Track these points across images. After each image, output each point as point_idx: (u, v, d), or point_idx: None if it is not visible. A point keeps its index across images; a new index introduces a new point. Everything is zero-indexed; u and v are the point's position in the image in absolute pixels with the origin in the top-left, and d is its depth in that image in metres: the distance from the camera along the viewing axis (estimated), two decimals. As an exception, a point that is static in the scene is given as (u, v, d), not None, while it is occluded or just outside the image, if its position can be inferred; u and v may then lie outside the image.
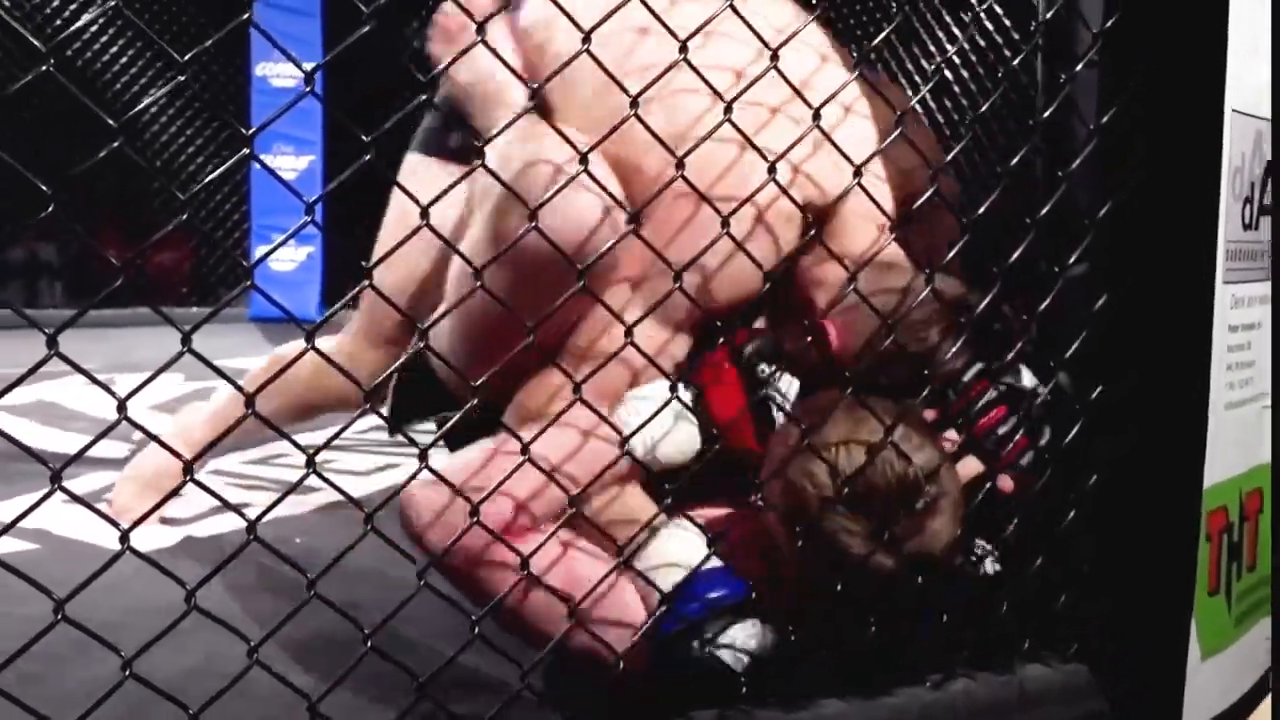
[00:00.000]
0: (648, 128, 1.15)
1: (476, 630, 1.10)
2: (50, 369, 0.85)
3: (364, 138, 0.96)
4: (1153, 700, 1.37)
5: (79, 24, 5.21)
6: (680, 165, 1.16)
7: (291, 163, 5.56)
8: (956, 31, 3.65)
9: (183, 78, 0.86)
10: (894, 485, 1.22)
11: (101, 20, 5.29)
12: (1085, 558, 1.36)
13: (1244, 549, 1.49)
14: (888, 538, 1.21)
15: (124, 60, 5.60)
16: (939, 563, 1.26)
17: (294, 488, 1.04)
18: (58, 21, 5.42)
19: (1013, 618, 1.36)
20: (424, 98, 1.00)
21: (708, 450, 1.39)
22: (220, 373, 0.96)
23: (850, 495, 1.22)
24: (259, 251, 5.63)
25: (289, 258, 5.64)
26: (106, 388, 0.89)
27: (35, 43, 0.78)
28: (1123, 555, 1.35)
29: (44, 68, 0.77)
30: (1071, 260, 1.33)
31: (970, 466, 1.37)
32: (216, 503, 0.99)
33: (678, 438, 1.42)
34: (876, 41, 1.39)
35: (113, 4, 0.85)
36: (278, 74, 5.62)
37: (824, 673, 1.27)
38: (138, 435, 2.87)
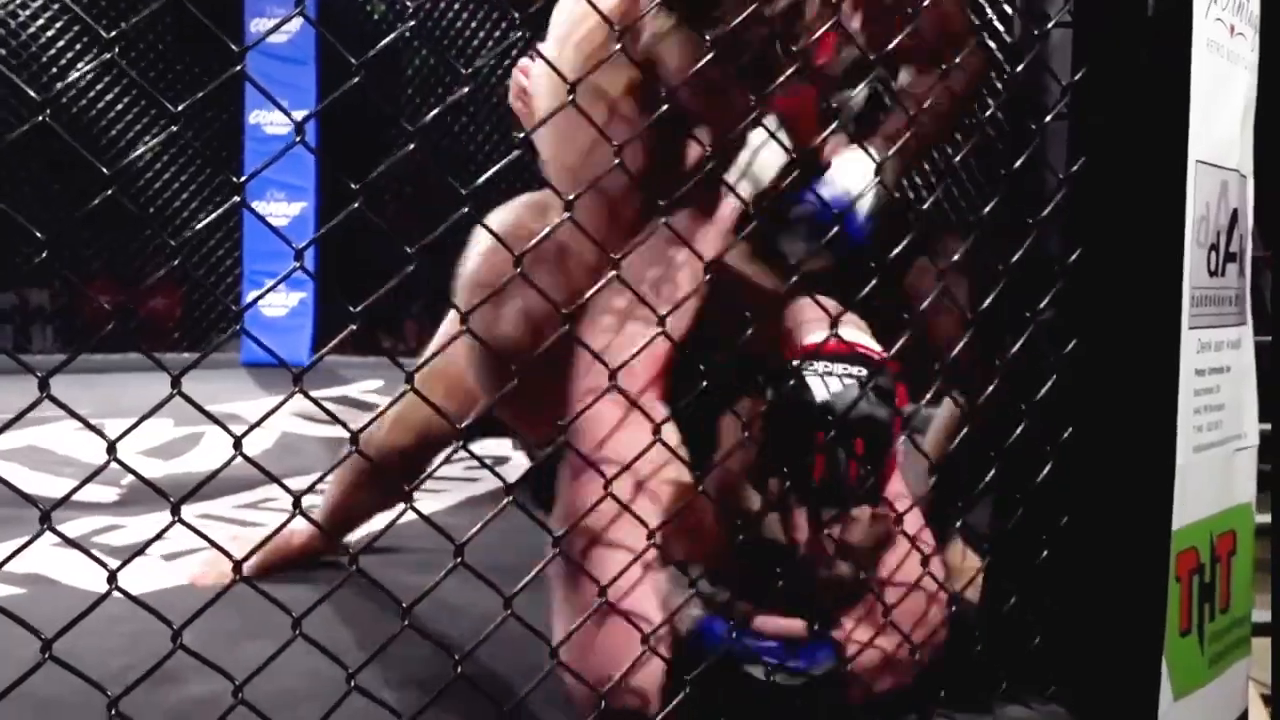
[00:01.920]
0: None
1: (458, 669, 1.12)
2: (41, 414, 0.87)
3: (353, 186, 0.98)
4: (1128, 741, 1.39)
5: (75, 75, 5.24)
6: None
7: (284, 209, 5.59)
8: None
9: (175, 128, 0.89)
10: None
11: (97, 69, 5.33)
12: (1057, 598, 1.37)
13: (1216, 591, 1.51)
14: None
15: (119, 108, 5.65)
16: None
17: (278, 530, 1.06)
18: (53, 70, 5.48)
19: (989, 658, 1.38)
20: (410, 146, 1.02)
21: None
22: (211, 417, 0.98)
23: None
24: (250, 296, 5.64)
25: (281, 303, 5.66)
26: (98, 431, 0.91)
27: (32, 94, 0.80)
28: (1094, 595, 1.37)
29: (40, 118, 0.80)
30: (1041, 305, 1.36)
31: None
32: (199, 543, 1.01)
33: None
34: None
35: (107, 56, 0.88)
36: (271, 121, 5.66)
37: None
38: (127, 479, 2.89)
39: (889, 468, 1.36)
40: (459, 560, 1.04)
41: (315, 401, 1.05)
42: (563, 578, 1.32)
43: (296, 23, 5.57)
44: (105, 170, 0.84)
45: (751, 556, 1.32)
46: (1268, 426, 3.24)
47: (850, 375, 1.32)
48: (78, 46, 5.55)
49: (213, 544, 1.01)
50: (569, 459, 1.32)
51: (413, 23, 4.52)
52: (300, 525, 1.82)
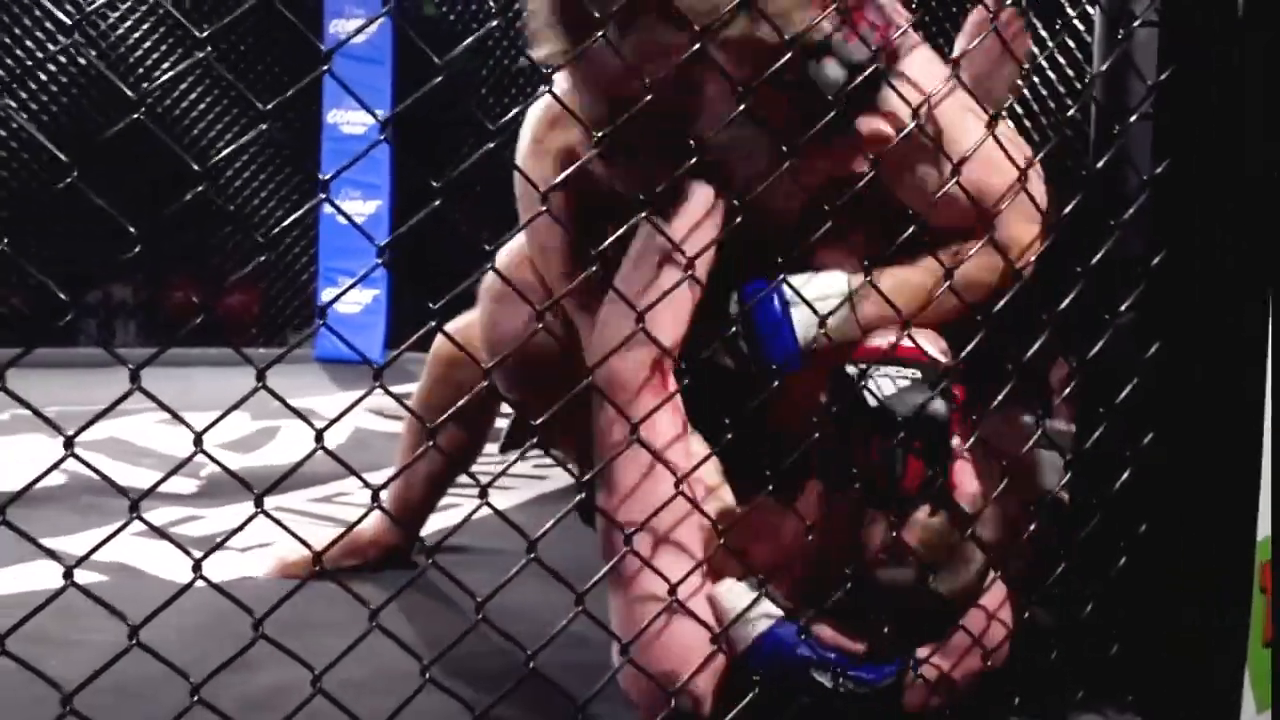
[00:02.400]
0: None
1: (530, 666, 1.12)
2: (123, 406, 0.89)
3: (434, 184, 0.99)
4: (1208, 754, 1.36)
5: (163, 75, 5.36)
6: None
7: (359, 207, 5.66)
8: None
9: (265, 125, 0.90)
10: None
11: (182, 69, 5.45)
12: (1136, 606, 1.35)
13: (1301, 603, 1.47)
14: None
15: (201, 107, 5.77)
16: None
17: (356, 524, 1.08)
18: (140, 70, 5.60)
19: (1064, 665, 1.36)
20: (491, 145, 1.03)
21: None
22: (295, 410, 0.99)
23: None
24: (325, 293, 5.74)
25: (355, 300, 5.73)
26: (185, 422, 0.92)
27: (128, 92, 0.82)
28: (1174, 605, 1.34)
29: (135, 115, 0.82)
30: (1122, 307, 1.34)
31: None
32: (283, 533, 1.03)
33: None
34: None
35: (199, 55, 0.90)
36: (348, 121, 5.74)
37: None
38: (206, 471, 2.95)
39: (953, 470, 1.34)
40: (532, 555, 1.05)
41: (395, 397, 1.06)
42: (622, 578, 1.32)
43: (373, 24, 5.66)
44: (196, 167, 0.86)
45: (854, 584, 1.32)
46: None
47: (905, 376, 1.30)
48: (163, 47, 5.67)
49: (295, 536, 1.03)
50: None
51: (495, 22, 4.55)
52: (369, 523, 1.86)
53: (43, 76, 5.37)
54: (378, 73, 5.63)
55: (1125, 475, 1.34)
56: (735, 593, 1.32)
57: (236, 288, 6.34)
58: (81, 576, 0.87)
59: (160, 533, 0.95)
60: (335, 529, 2.06)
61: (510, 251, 1.68)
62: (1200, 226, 1.34)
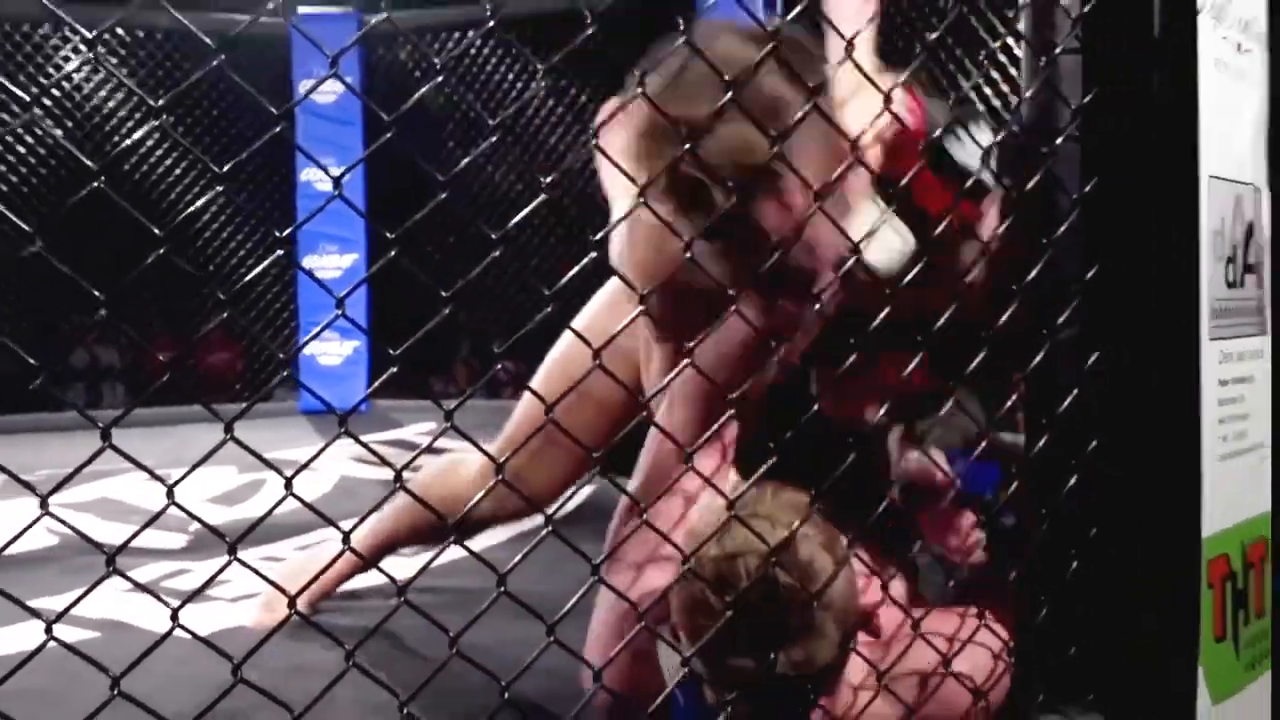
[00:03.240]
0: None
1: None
2: (111, 467, 0.90)
3: (389, 235, 1.01)
4: (1168, 746, 1.37)
5: (130, 141, 5.36)
6: None
7: (336, 261, 5.67)
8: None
9: (221, 187, 0.92)
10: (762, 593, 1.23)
11: (156, 135, 5.46)
12: (1091, 609, 1.36)
13: (1250, 596, 1.49)
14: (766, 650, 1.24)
15: (176, 172, 5.77)
16: (821, 672, 1.27)
17: (328, 566, 1.09)
18: (115, 138, 5.61)
19: (1025, 668, 1.37)
20: (442, 196, 1.04)
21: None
22: (263, 460, 1.00)
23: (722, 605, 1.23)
24: (306, 348, 5.73)
25: (336, 352, 5.73)
26: (156, 476, 0.93)
27: (88, 162, 0.84)
28: (1128, 605, 1.36)
29: (95, 184, 0.83)
30: (1060, 321, 1.36)
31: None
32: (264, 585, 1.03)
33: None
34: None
35: (156, 122, 0.91)
36: (320, 178, 5.75)
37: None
38: (194, 526, 2.94)
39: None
40: (502, 590, 1.06)
41: (362, 443, 1.07)
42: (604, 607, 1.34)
43: (341, 85, 5.69)
44: (156, 230, 0.88)
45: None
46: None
47: None
48: (137, 115, 5.69)
49: (269, 581, 1.04)
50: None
51: (440, 79, 4.63)
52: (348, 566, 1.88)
53: (33, 150, 5.36)
54: (350, 132, 5.65)
55: (1072, 482, 1.35)
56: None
57: (220, 346, 6.34)
58: (72, 634, 0.88)
59: (138, 585, 0.95)
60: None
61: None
62: (1129, 241, 1.36)
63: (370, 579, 2.37)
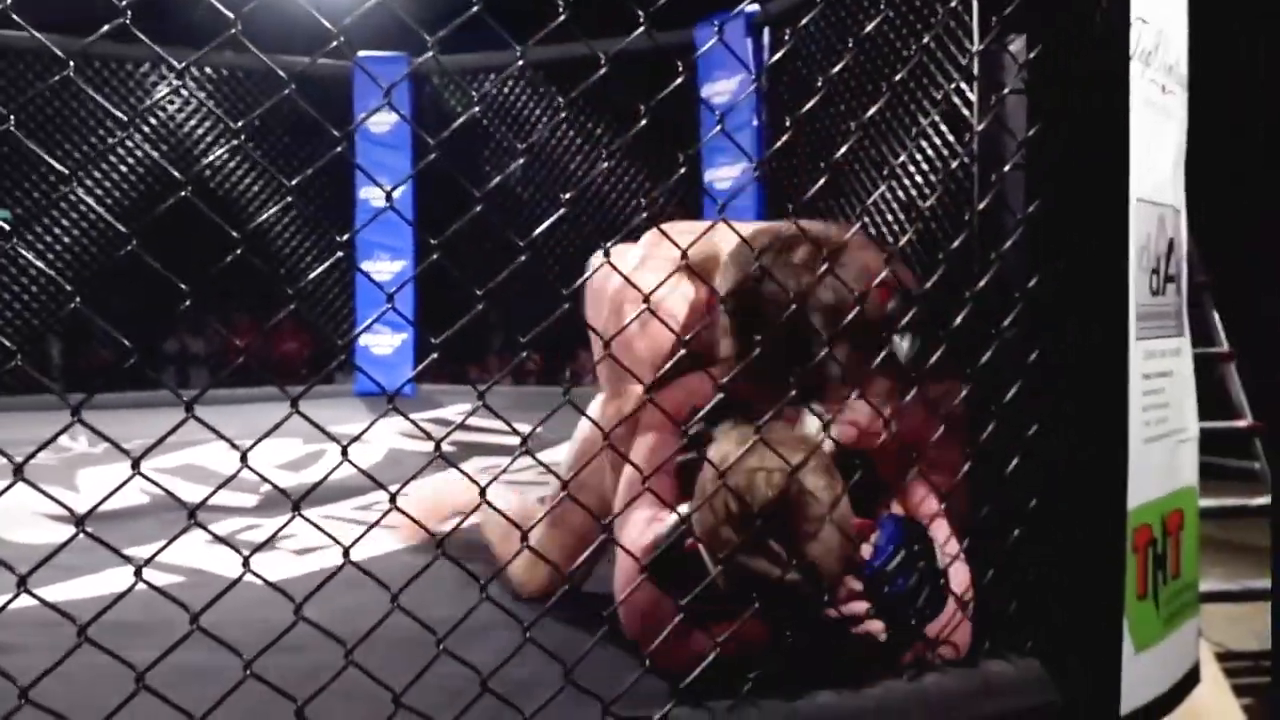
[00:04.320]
0: None
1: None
2: (196, 438, 0.90)
3: (432, 241, 1.01)
4: (1095, 689, 1.36)
5: (211, 159, 5.38)
6: None
7: (388, 266, 5.67)
8: (907, 144, 3.71)
9: (290, 199, 0.91)
10: (779, 503, 1.24)
11: (238, 159, 5.50)
12: (1031, 570, 1.35)
13: (1168, 560, 1.48)
14: (777, 550, 1.23)
15: (256, 187, 5.79)
16: (824, 573, 1.26)
17: (377, 522, 1.08)
18: (202, 160, 5.62)
19: (972, 621, 1.36)
20: (477, 209, 1.04)
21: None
22: (325, 431, 1.00)
23: (744, 515, 1.24)
24: (362, 339, 5.75)
25: (387, 343, 5.74)
26: (232, 443, 0.93)
27: (176, 174, 0.83)
28: (1063, 567, 1.35)
29: (182, 194, 0.83)
30: (1005, 324, 1.35)
31: None
32: (328, 540, 1.03)
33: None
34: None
35: (236, 143, 0.91)
36: (376, 196, 5.76)
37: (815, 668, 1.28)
38: (265, 487, 2.94)
39: None
40: (524, 545, 1.05)
41: (406, 416, 1.07)
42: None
43: (395, 117, 5.70)
44: (234, 233, 0.87)
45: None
46: (1243, 424, 3.20)
47: None
48: (224, 142, 5.71)
49: (329, 536, 1.03)
50: None
51: (476, 109, 4.68)
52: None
53: (129, 167, 5.37)
54: (401, 157, 5.66)
55: (1015, 461, 1.34)
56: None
57: (290, 337, 6.35)
58: (160, 579, 0.87)
59: (215, 536, 0.95)
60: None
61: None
62: (1066, 254, 1.35)
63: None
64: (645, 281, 1.28)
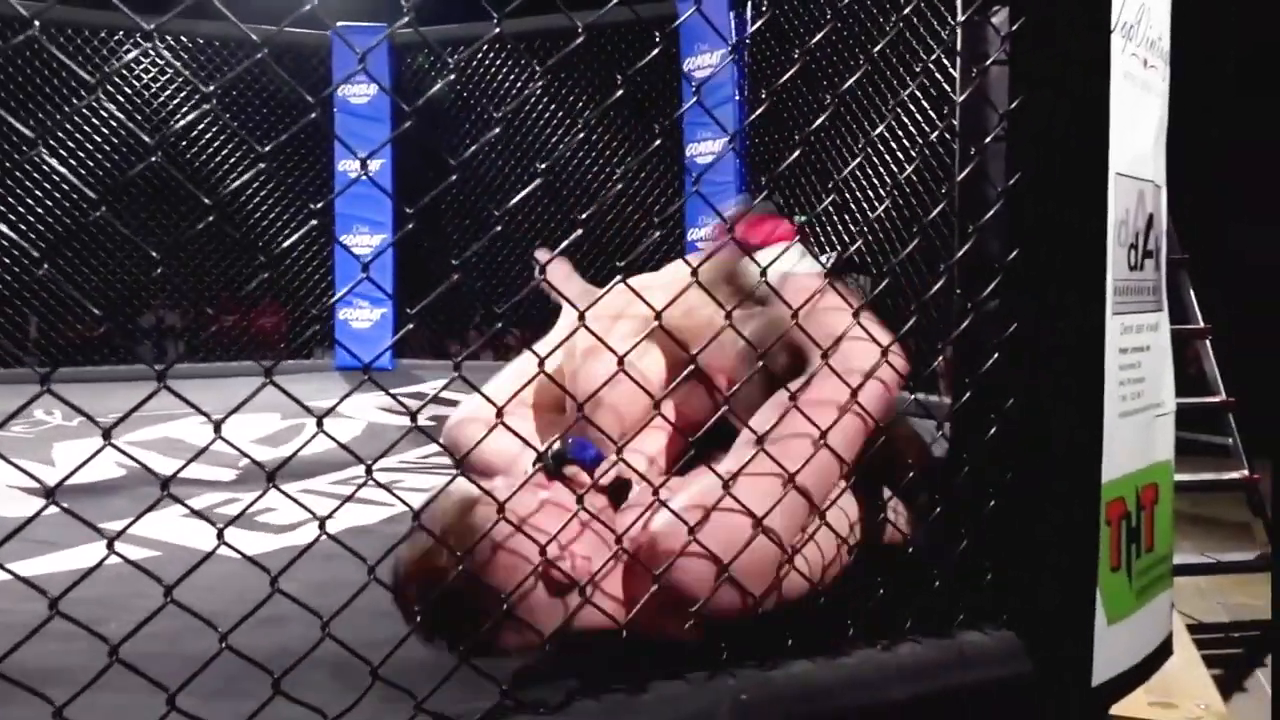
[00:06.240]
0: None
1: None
2: (172, 411, 0.88)
3: (408, 210, 0.99)
4: (1068, 660, 1.37)
5: (183, 123, 5.31)
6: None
7: (366, 240, 5.63)
8: (885, 116, 3.71)
9: (263, 165, 0.90)
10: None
11: (192, 118, 5.44)
12: (1006, 541, 1.36)
13: (1142, 533, 1.49)
14: None
15: (232, 160, 5.71)
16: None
17: (353, 495, 1.07)
18: (178, 130, 5.55)
19: (948, 591, 1.36)
20: (453, 178, 1.02)
21: None
22: (300, 404, 0.99)
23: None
24: (341, 313, 5.71)
25: (366, 317, 5.70)
26: (206, 415, 0.92)
27: (145, 139, 0.81)
28: (1037, 538, 1.35)
29: (152, 159, 0.81)
30: (983, 295, 1.34)
31: None
32: (307, 516, 1.02)
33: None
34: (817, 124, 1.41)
35: (207, 107, 0.89)
36: (355, 169, 5.72)
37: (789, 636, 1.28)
38: (243, 462, 2.93)
39: None
40: (416, 524, 1.04)
41: (384, 389, 1.06)
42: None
43: (374, 89, 5.64)
44: (206, 200, 0.85)
45: None
46: (1216, 400, 3.22)
47: None
48: (198, 111, 5.63)
49: (305, 509, 1.02)
50: None
51: (452, 76, 4.64)
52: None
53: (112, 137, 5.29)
54: (380, 129, 5.60)
55: (991, 432, 1.34)
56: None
57: (267, 311, 6.30)
58: (134, 553, 0.86)
59: (190, 509, 0.94)
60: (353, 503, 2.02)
61: None
62: (1046, 227, 1.35)
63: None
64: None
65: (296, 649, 1.04)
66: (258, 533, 2.25)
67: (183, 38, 5.69)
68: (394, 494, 1.05)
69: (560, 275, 2.42)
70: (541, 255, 2.32)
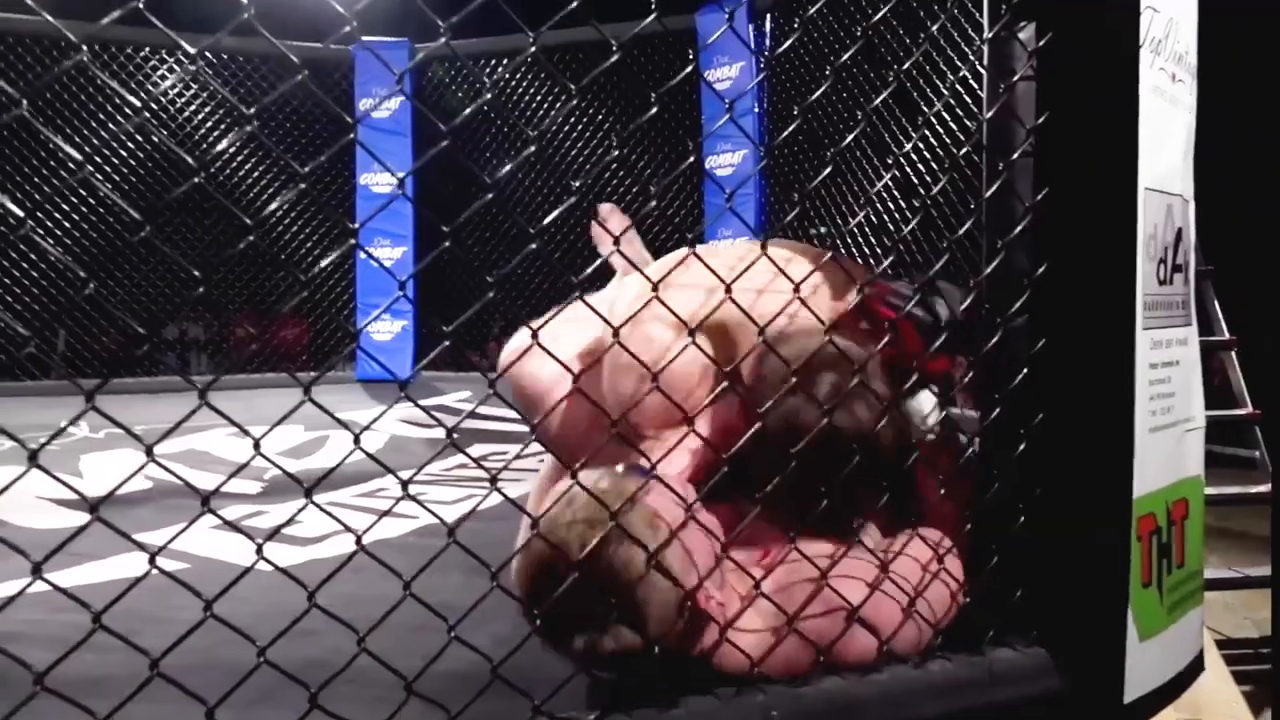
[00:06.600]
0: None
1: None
2: (198, 423, 0.89)
3: (445, 229, 1.00)
4: (1100, 677, 1.36)
5: (222, 146, 5.37)
6: None
7: (388, 253, 5.67)
8: (911, 132, 3.71)
9: (303, 185, 0.91)
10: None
11: (239, 142, 5.47)
12: (1036, 557, 1.35)
13: (1173, 549, 1.48)
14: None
15: (254, 175, 5.77)
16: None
17: (390, 509, 1.08)
18: (204, 145, 5.61)
19: (978, 609, 1.36)
20: (489, 197, 1.03)
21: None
22: (338, 420, 1.00)
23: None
24: (363, 322, 5.73)
25: (387, 329, 5.74)
26: (246, 431, 0.93)
27: (189, 160, 0.82)
28: (1068, 555, 1.35)
29: (195, 180, 0.82)
30: (1012, 310, 1.34)
31: None
32: (336, 528, 1.03)
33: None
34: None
35: (250, 128, 0.91)
36: (377, 182, 5.75)
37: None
38: (268, 474, 2.95)
39: None
40: (536, 532, 1.05)
41: (421, 407, 1.07)
42: None
43: (396, 103, 5.69)
44: (248, 220, 0.87)
45: None
46: (1243, 412, 3.20)
47: None
48: (222, 126, 5.69)
49: (341, 524, 1.03)
50: None
51: (489, 95, 4.69)
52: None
53: (135, 155, 5.35)
54: (401, 143, 5.65)
55: (1021, 449, 1.34)
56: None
57: (290, 323, 6.34)
58: (168, 565, 0.87)
59: (228, 523, 0.95)
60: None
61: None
62: (1075, 243, 1.35)
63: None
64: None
65: (328, 661, 1.05)
66: (285, 545, 2.27)
67: (206, 53, 5.74)
68: (426, 508, 1.06)
69: (624, 236, 2.40)
70: (605, 210, 2.32)
